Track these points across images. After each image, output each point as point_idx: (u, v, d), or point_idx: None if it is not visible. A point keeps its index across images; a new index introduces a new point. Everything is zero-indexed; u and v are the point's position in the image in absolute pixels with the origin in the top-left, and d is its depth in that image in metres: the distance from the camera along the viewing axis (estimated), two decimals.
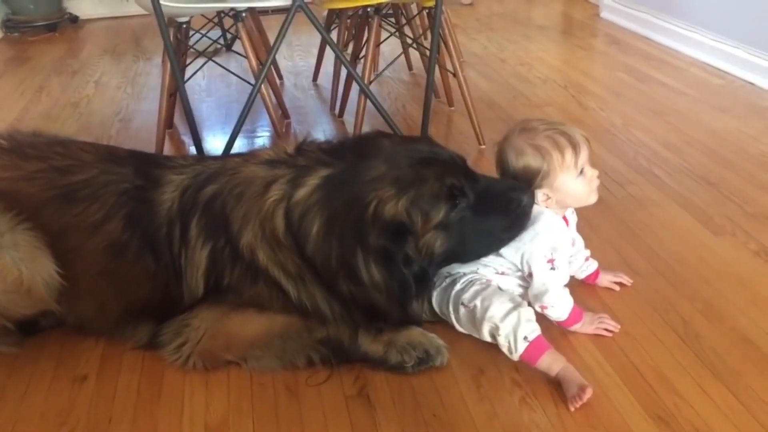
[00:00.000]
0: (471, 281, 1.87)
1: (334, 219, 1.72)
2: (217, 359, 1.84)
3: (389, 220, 1.69)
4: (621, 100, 3.66)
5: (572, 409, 1.65)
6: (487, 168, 2.95)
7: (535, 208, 1.85)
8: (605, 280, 2.10)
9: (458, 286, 1.87)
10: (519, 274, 1.89)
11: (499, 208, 1.79)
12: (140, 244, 1.89)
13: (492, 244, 1.84)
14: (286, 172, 1.82)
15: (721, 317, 1.96)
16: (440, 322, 1.95)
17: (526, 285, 1.89)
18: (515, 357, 1.75)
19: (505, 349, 1.76)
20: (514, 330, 1.74)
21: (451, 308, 1.88)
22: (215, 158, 2.17)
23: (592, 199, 1.91)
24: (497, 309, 1.77)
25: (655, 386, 1.72)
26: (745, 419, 1.61)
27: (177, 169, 1.97)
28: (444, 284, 1.92)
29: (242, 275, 1.82)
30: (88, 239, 1.90)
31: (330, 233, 1.72)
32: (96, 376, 1.86)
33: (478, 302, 1.81)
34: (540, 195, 1.85)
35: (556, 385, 1.73)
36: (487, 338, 1.80)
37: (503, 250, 1.86)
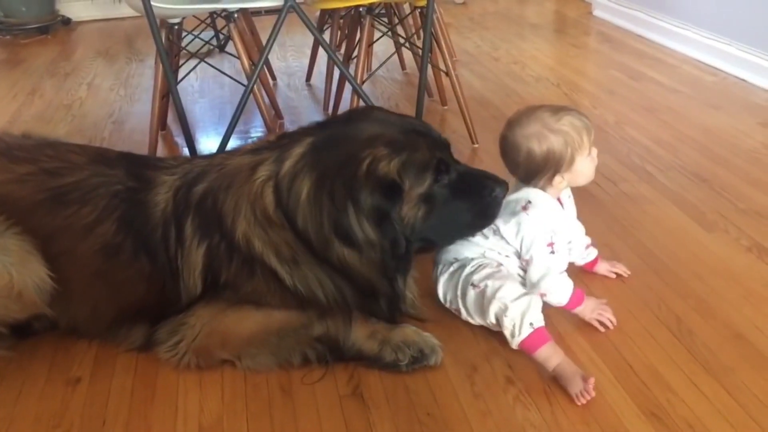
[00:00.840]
0: (481, 264, 1.89)
1: (324, 177, 1.73)
2: (212, 357, 1.84)
3: (382, 177, 1.70)
4: (614, 97, 3.66)
5: (580, 403, 1.66)
6: (481, 166, 2.96)
7: (531, 192, 1.88)
8: (603, 268, 2.14)
9: (468, 269, 1.89)
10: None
11: (474, 192, 1.81)
12: (134, 245, 1.88)
13: (464, 228, 1.86)
14: (270, 154, 1.84)
15: (714, 313, 1.96)
16: (434, 321, 1.95)
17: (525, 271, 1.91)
18: (516, 342, 1.76)
19: (507, 332, 1.77)
20: (522, 313, 1.75)
21: (459, 292, 1.89)
22: (203, 157, 2.18)
23: (593, 176, 1.95)
24: (509, 290, 1.79)
25: (649, 383, 1.73)
26: (738, 415, 1.62)
27: (168, 170, 1.97)
28: (451, 269, 1.94)
29: (239, 269, 1.82)
30: (81, 241, 1.89)
31: (320, 192, 1.72)
32: (89, 378, 1.86)
33: (489, 282, 1.82)
34: (557, 178, 1.88)
35: (550, 383, 1.74)
36: (492, 320, 1.80)
37: (505, 233, 1.88)
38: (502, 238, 1.89)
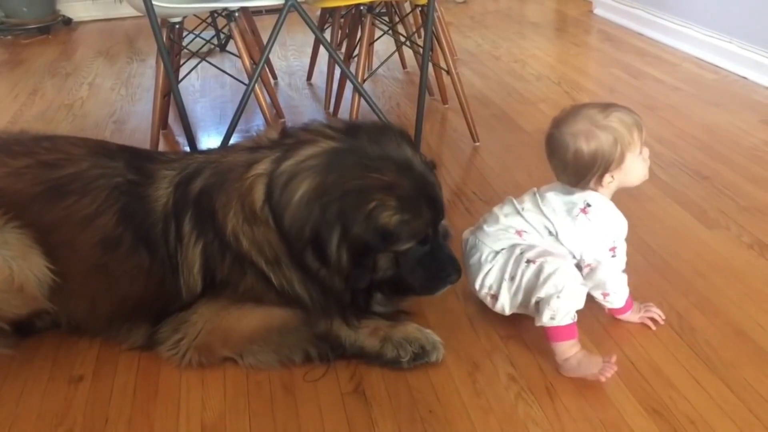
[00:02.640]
0: (533, 245, 1.83)
1: (326, 189, 1.71)
2: (214, 354, 1.84)
3: (381, 225, 1.71)
4: (615, 95, 3.66)
5: (605, 379, 1.67)
6: (482, 165, 2.98)
7: (588, 194, 1.82)
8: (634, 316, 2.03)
9: (519, 250, 1.83)
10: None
11: (435, 267, 1.83)
12: (134, 238, 1.88)
13: (412, 289, 1.87)
14: (269, 153, 1.83)
15: (716, 310, 1.96)
16: (435, 318, 1.95)
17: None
18: (551, 324, 1.73)
19: (547, 314, 1.72)
20: (572, 302, 1.73)
21: (507, 275, 1.82)
22: (201, 152, 2.18)
23: (646, 176, 1.89)
24: (568, 273, 1.74)
25: (650, 379, 1.73)
26: (739, 411, 1.62)
27: (168, 164, 1.97)
28: (500, 255, 1.86)
29: (232, 267, 1.82)
30: (80, 233, 1.88)
31: (316, 199, 1.71)
32: (92, 376, 1.86)
33: (549, 259, 1.76)
34: (606, 177, 1.82)
35: (552, 380, 1.74)
36: (540, 296, 1.74)
37: (563, 237, 1.82)
38: (558, 240, 1.83)
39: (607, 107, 1.82)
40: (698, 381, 1.71)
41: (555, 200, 1.84)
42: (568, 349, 1.74)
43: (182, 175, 1.92)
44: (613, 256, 1.83)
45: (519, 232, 1.86)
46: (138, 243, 1.88)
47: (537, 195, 1.87)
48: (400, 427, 1.64)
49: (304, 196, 1.72)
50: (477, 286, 1.90)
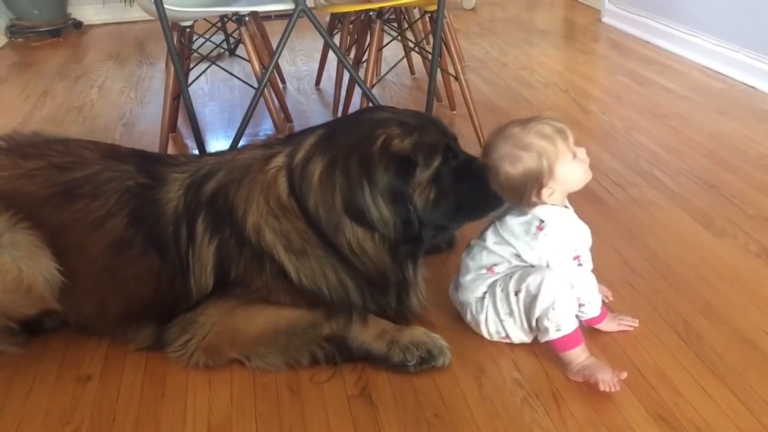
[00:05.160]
0: (509, 274, 1.84)
1: (336, 157, 1.78)
2: (221, 356, 1.85)
3: (396, 153, 1.75)
4: (622, 103, 3.67)
5: (607, 390, 1.67)
6: None
7: (539, 211, 1.81)
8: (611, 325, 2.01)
9: (499, 288, 1.84)
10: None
11: (481, 177, 1.82)
12: (145, 241, 1.89)
13: (472, 211, 1.89)
14: (282, 148, 1.90)
15: (722, 318, 1.96)
16: (442, 323, 1.96)
17: None
18: (558, 335, 1.73)
19: (551, 326, 1.73)
20: (569, 308, 1.74)
21: (502, 315, 1.84)
22: (212, 155, 2.20)
23: (589, 176, 1.84)
24: (553, 283, 1.74)
25: (656, 386, 1.73)
26: (745, 419, 1.62)
27: (179, 167, 1.99)
28: (486, 302, 1.87)
29: (249, 264, 1.84)
30: (90, 235, 1.90)
31: (333, 171, 1.77)
32: (100, 376, 1.87)
33: (529, 279, 1.77)
34: (544, 191, 1.80)
35: (558, 385, 1.74)
36: (538, 313, 1.75)
37: (528, 259, 1.82)
38: (522, 260, 1.83)
39: (527, 122, 1.79)
40: (704, 388, 1.71)
41: (512, 223, 1.84)
42: (580, 354, 1.74)
43: (194, 177, 1.94)
44: (579, 265, 1.82)
45: (490, 269, 1.87)
46: (148, 245, 1.89)
47: (496, 223, 1.87)
48: (406, 430, 1.65)
49: (322, 175, 1.78)
50: (487, 336, 1.90)
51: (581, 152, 1.81)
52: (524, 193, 1.79)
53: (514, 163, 1.76)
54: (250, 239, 1.83)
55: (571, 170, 1.79)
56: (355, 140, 1.79)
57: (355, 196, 1.75)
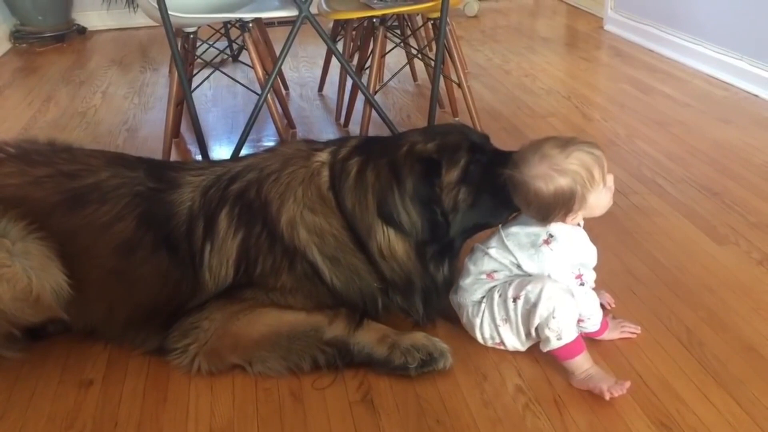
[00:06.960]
0: (507, 281, 1.84)
1: (370, 158, 1.90)
2: (223, 361, 1.85)
3: (419, 155, 1.85)
4: (625, 111, 3.67)
5: (610, 397, 1.67)
6: None
7: (552, 225, 1.81)
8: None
9: (497, 294, 1.84)
10: None
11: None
12: (154, 241, 1.90)
13: (504, 209, 1.89)
14: (326, 147, 2.00)
15: (725, 325, 1.96)
16: (444, 329, 1.96)
17: None
18: (559, 344, 1.73)
19: (552, 335, 1.73)
20: (569, 316, 1.74)
21: (497, 321, 1.84)
22: (234, 160, 2.25)
23: (611, 203, 1.87)
24: (553, 290, 1.74)
25: (659, 393, 1.73)
26: (748, 427, 1.62)
27: (194, 171, 2.01)
28: (482, 306, 1.87)
29: (279, 260, 1.86)
30: (98, 239, 1.91)
31: (366, 170, 1.87)
32: (102, 380, 1.87)
33: (528, 287, 1.77)
34: (570, 215, 1.79)
35: (560, 392, 1.74)
36: (538, 322, 1.74)
37: (528, 269, 1.82)
38: (525, 272, 1.83)
39: (566, 145, 1.77)
40: (706, 395, 1.71)
41: (520, 232, 1.84)
42: (584, 363, 1.74)
43: (216, 180, 1.96)
44: (580, 284, 1.82)
45: (489, 275, 1.87)
46: (158, 245, 1.90)
47: (501, 232, 1.87)
48: None
49: (357, 175, 1.88)
50: (481, 341, 1.91)
51: (610, 179, 1.82)
52: (550, 213, 1.78)
53: (548, 183, 1.75)
54: (282, 235, 1.86)
55: (600, 198, 1.81)
56: (387, 145, 1.93)
57: (386, 197, 1.83)
